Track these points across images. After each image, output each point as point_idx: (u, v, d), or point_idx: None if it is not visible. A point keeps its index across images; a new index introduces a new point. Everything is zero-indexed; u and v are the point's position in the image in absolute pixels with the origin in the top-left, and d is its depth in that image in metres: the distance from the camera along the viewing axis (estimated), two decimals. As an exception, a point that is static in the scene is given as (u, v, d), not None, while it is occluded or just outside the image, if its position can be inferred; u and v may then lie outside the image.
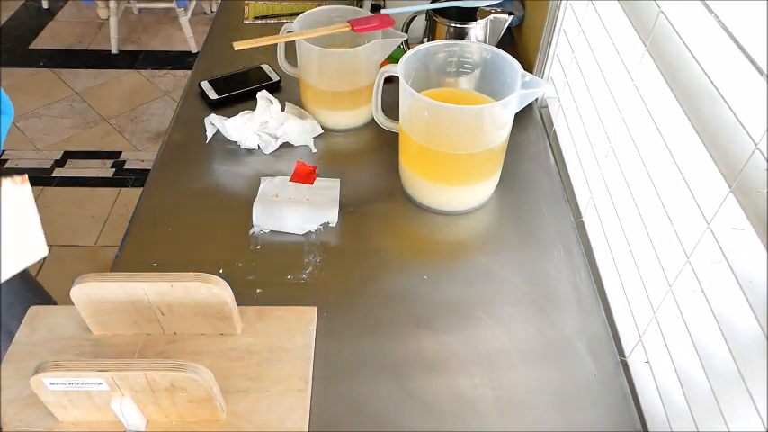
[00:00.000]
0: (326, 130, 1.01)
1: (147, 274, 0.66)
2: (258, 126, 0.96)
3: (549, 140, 1.00)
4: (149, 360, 0.64)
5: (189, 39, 2.78)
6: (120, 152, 2.28)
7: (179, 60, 2.79)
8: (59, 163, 2.22)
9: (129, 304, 0.67)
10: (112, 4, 2.64)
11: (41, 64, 2.74)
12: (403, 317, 0.74)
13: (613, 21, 0.78)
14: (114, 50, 2.81)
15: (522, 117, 1.02)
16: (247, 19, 1.32)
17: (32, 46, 2.87)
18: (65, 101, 2.53)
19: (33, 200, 0.47)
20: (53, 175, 2.17)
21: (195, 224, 0.86)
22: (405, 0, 1.16)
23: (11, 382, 0.67)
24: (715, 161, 0.53)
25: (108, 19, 2.81)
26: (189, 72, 1.18)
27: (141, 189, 0.92)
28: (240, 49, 0.90)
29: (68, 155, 2.26)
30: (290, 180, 0.91)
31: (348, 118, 1.01)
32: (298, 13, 0.98)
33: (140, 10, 3.13)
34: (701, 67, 0.56)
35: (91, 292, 0.66)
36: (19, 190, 0.45)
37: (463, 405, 0.66)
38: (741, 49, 0.50)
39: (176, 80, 2.66)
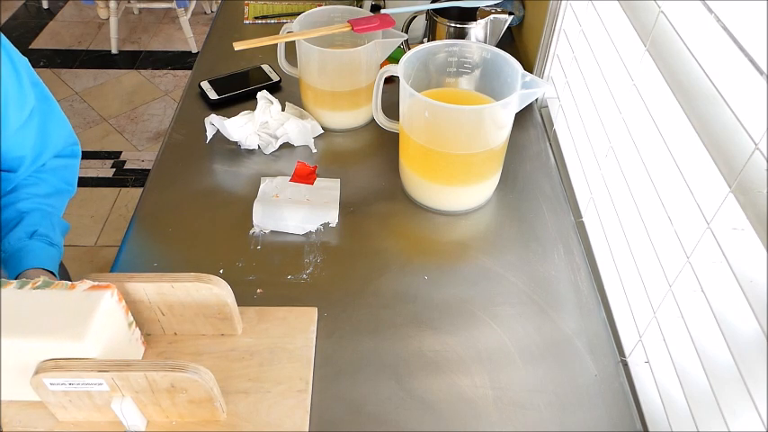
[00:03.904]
0: (326, 130, 1.01)
1: (147, 275, 0.66)
2: (258, 126, 0.96)
3: (549, 140, 1.00)
4: (150, 360, 0.64)
5: (189, 39, 2.78)
6: (120, 152, 2.28)
7: (179, 60, 2.78)
8: (59, 163, 2.22)
9: (130, 304, 0.67)
10: (112, 4, 2.64)
11: (41, 64, 2.74)
12: (403, 317, 0.74)
13: (613, 21, 0.78)
14: (114, 50, 2.81)
15: (522, 117, 1.02)
16: (247, 19, 1.32)
17: (32, 46, 2.87)
18: (65, 101, 2.53)
19: None
20: (53, 175, 2.17)
21: (195, 224, 0.86)
22: (405, 0, 1.16)
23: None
24: (715, 161, 0.53)
25: (108, 19, 2.81)
26: (189, 72, 1.18)
27: (141, 189, 0.92)
28: (240, 49, 0.90)
29: (68, 155, 2.26)
30: (290, 180, 0.91)
31: (348, 118, 1.01)
32: (298, 13, 0.98)
33: (140, 10, 3.13)
34: (701, 67, 0.56)
35: (91, 293, 0.66)
36: None
37: (463, 405, 0.66)
38: (741, 49, 0.50)
39: (176, 80, 2.66)
